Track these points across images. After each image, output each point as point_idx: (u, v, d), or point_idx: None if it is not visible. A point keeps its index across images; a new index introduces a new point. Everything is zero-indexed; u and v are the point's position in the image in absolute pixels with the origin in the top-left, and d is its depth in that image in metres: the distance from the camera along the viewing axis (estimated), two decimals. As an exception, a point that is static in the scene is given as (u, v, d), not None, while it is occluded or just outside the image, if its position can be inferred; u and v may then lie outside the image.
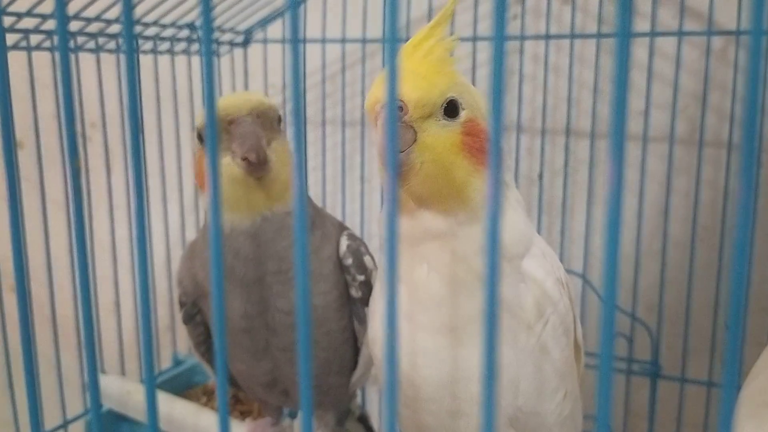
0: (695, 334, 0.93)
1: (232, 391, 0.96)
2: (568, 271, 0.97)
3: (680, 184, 0.94)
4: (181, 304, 0.75)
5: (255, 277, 0.67)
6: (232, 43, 1.05)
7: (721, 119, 0.91)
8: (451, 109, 0.50)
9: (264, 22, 1.04)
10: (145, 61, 0.95)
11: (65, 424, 0.91)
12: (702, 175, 0.91)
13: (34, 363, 0.61)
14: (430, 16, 0.97)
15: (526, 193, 1.01)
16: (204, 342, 0.77)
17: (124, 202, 1.03)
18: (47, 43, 0.82)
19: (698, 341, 0.94)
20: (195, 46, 0.99)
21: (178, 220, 1.07)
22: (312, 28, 1.04)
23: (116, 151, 0.98)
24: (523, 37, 0.96)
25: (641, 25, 0.90)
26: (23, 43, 0.80)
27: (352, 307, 0.73)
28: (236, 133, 0.62)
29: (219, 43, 1.03)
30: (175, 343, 1.09)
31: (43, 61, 0.86)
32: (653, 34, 0.88)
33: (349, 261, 0.70)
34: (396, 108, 0.47)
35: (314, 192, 1.13)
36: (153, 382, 0.35)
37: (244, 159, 0.61)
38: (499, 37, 0.26)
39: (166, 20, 0.89)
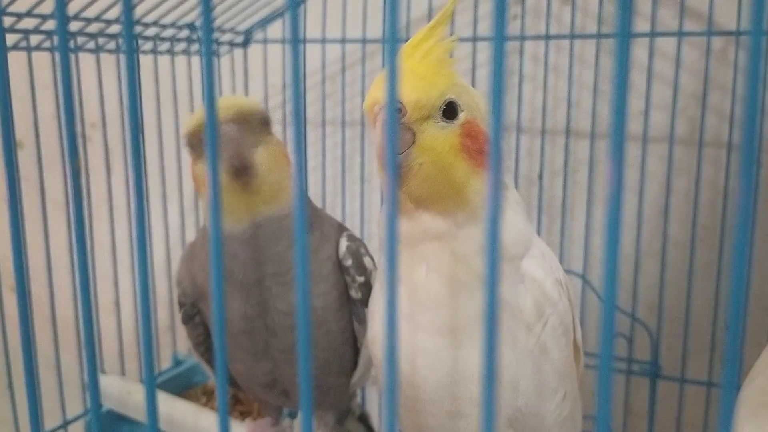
0: (695, 334, 0.93)
1: (231, 392, 0.96)
2: (568, 272, 0.97)
3: (680, 185, 0.94)
4: (181, 305, 0.75)
5: (254, 279, 0.67)
6: (232, 44, 1.05)
7: (721, 119, 0.91)
8: (449, 111, 0.50)
9: (264, 23, 1.04)
10: (145, 61, 0.95)
11: (65, 424, 0.91)
12: (702, 176, 0.91)
13: (34, 363, 0.61)
14: (430, 17, 0.97)
15: (525, 194, 1.01)
16: (203, 342, 0.77)
17: (124, 202, 1.03)
18: (47, 44, 0.82)
19: (698, 341, 0.94)
20: (195, 47, 0.99)
21: (178, 220, 1.07)
22: (312, 28, 1.04)
23: (116, 151, 0.98)
24: (523, 38, 0.96)
25: (641, 25, 0.90)
26: (23, 44, 0.80)
27: (352, 307, 0.73)
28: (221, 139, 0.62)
29: (219, 44, 1.03)
30: (175, 343, 1.09)
31: (43, 61, 0.86)
32: (653, 34, 0.88)
33: (348, 262, 0.70)
34: (396, 109, 0.47)
35: (314, 192, 1.13)
36: (153, 383, 0.35)
37: (227, 166, 0.61)
38: (499, 38, 0.26)
39: (166, 20, 0.89)
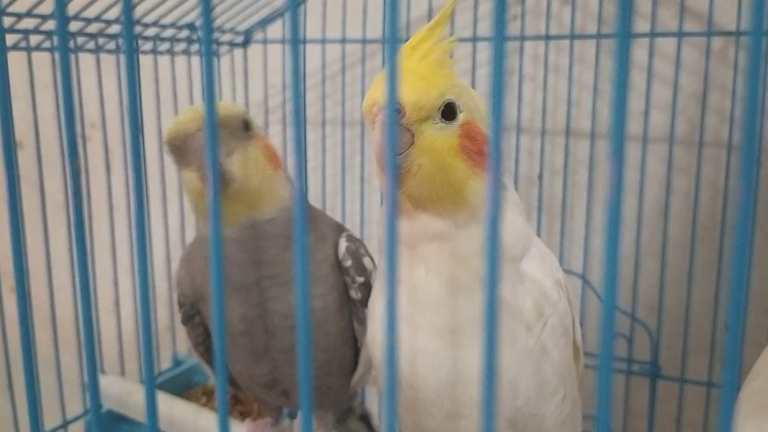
0: (695, 334, 0.93)
1: (231, 392, 0.96)
2: (568, 272, 0.97)
3: (680, 185, 0.94)
4: (180, 305, 0.75)
5: (250, 281, 0.66)
6: (232, 44, 1.05)
7: (720, 120, 0.91)
8: (448, 112, 0.50)
9: (264, 23, 1.04)
10: (145, 61, 0.95)
11: (65, 424, 0.91)
12: (702, 176, 0.91)
13: (34, 363, 0.61)
14: (430, 17, 0.97)
15: (525, 194, 1.01)
16: (203, 342, 0.77)
17: (124, 203, 1.03)
18: (47, 44, 0.82)
19: (698, 342, 0.94)
20: (195, 47, 0.99)
21: (178, 220, 1.07)
22: (312, 28, 1.04)
23: (116, 151, 0.98)
24: (523, 38, 0.96)
25: (641, 25, 0.90)
26: (23, 44, 0.80)
27: (352, 308, 0.73)
28: (189, 150, 0.62)
29: (219, 44, 1.03)
30: (175, 343, 1.09)
31: (42, 61, 0.86)
32: (653, 34, 0.88)
33: (348, 263, 0.70)
34: (396, 109, 0.47)
35: (314, 192, 1.13)
36: (153, 383, 0.35)
37: (200, 175, 0.61)
38: (499, 38, 0.26)
39: (166, 21, 0.89)
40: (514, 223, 0.54)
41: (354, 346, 0.75)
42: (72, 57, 0.86)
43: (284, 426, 0.84)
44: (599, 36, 0.92)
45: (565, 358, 0.56)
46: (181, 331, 0.80)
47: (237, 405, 0.97)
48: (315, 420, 0.80)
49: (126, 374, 1.01)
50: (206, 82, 0.31)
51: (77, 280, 0.35)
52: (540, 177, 1.01)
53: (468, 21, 0.97)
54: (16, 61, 0.78)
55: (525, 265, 0.54)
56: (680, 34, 0.88)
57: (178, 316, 0.77)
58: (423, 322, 0.53)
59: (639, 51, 0.91)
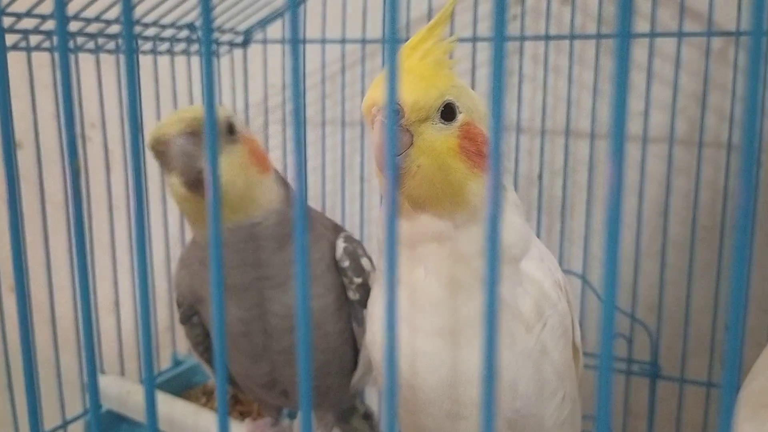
0: (695, 334, 0.93)
1: (231, 392, 0.96)
2: (568, 272, 0.97)
3: (680, 185, 0.94)
4: (179, 305, 0.75)
5: (244, 283, 0.66)
6: (231, 44, 1.05)
7: (720, 120, 0.91)
8: (448, 112, 0.50)
9: (264, 23, 1.04)
10: (145, 61, 0.95)
11: (64, 424, 0.91)
12: (702, 176, 0.91)
13: (34, 363, 0.61)
14: (429, 17, 0.97)
15: (525, 194, 1.01)
16: (202, 342, 0.78)
17: (124, 203, 1.03)
18: (47, 44, 0.82)
19: (698, 342, 0.94)
20: (195, 47, 0.99)
21: (177, 220, 1.07)
22: (312, 28, 1.04)
23: (116, 151, 0.98)
24: (522, 38, 0.96)
25: (641, 25, 0.90)
26: (23, 44, 0.80)
27: (350, 309, 0.72)
28: (170, 154, 0.61)
29: (219, 44, 1.03)
30: (175, 343, 1.09)
31: (42, 61, 0.86)
32: (653, 34, 0.88)
33: (346, 263, 0.70)
34: (395, 110, 0.47)
35: (314, 192, 1.13)
36: (152, 383, 0.35)
37: (180, 179, 0.61)
38: (499, 38, 0.26)
39: (166, 21, 0.89)
40: (514, 223, 0.54)
41: (353, 346, 0.75)
42: (72, 57, 0.86)
43: (284, 426, 0.84)
44: (599, 36, 0.92)
45: (564, 359, 0.56)
46: (181, 332, 0.80)
47: (237, 405, 0.97)
48: (315, 420, 0.80)
49: (126, 374, 1.01)
50: (206, 82, 0.31)
51: (77, 280, 0.35)
52: (540, 177, 1.00)
53: (468, 21, 0.97)
54: (15, 61, 0.78)
55: (524, 266, 0.54)
56: (680, 35, 0.88)
57: (177, 316, 0.77)
58: (422, 323, 0.53)
59: (639, 51, 0.91)
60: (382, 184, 0.52)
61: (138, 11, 0.84)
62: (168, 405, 0.86)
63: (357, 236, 1.05)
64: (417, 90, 0.48)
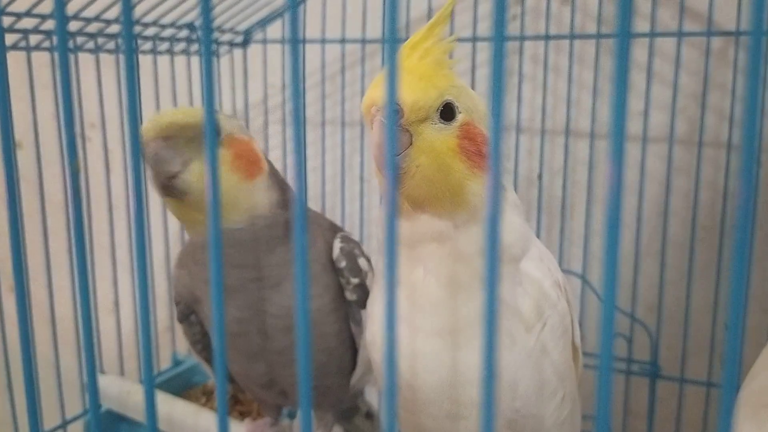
0: (694, 334, 0.93)
1: (231, 392, 0.96)
2: (568, 272, 0.97)
3: (680, 185, 0.94)
4: (176, 303, 0.75)
5: (235, 284, 0.66)
6: (231, 44, 1.05)
7: (720, 119, 0.91)
8: (447, 112, 0.50)
9: (263, 23, 1.04)
10: (145, 61, 0.95)
11: (64, 424, 0.91)
12: (701, 176, 0.91)
13: (33, 363, 0.61)
14: (429, 17, 0.97)
15: (525, 194, 1.01)
16: (200, 341, 0.78)
17: (124, 203, 1.03)
18: (46, 43, 0.82)
19: (697, 342, 0.94)
20: (194, 47, 0.99)
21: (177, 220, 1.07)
22: (311, 28, 1.04)
23: (115, 151, 0.98)
24: (522, 38, 0.96)
25: (641, 25, 0.90)
26: (22, 43, 0.80)
27: (348, 309, 0.72)
28: (146, 159, 0.61)
29: (218, 44, 1.03)
30: (175, 343, 1.09)
31: (42, 61, 0.85)
32: (653, 34, 0.88)
33: (342, 264, 0.70)
34: (395, 110, 0.47)
35: (314, 192, 1.13)
36: (152, 383, 0.35)
37: (154, 184, 0.61)
38: (499, 38, 0.26)
39: (166, 20, 0.89)
40: (513, 223, 0.54)
41: (352, 346, 0.75)
42: (71, 57, 0.86)
43: (284, 426, 0.84)
44: (599, 36, 0.92)
45: (564, 359, 0.56)
46: (181, 332, 0.80)
47: (236, 405, 0.97)
48: (315, 419, 0.80)
49: (125, 374, 1.01)
50: (205, 82, 0.31)
51: (77, 280, 0.35)
52: (539, 177, 1.00)
53: (467, 21, 0.97)
54: (15, 60, 0.78)
55: (524, 266, 0.54)
56: (680, 34, 0.88)
57: (176, 315, 0.77)
58: (422, 323, 0.53)
59: (639, 51, 0.90)
60: (382, 184, 0.52)
61: (138, 11, 0.84)
62: (168, 405, 0.86)
63: (357, 236, 1.05)
64: (416, 90, 0.48)
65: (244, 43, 1.06)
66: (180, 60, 1.01)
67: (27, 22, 0.77)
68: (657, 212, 0.95)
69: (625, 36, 0.26)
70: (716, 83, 0.90)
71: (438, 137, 0.49)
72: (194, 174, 0.61)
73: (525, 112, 1.01)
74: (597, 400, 0.28)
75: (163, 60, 0.99)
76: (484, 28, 0.96)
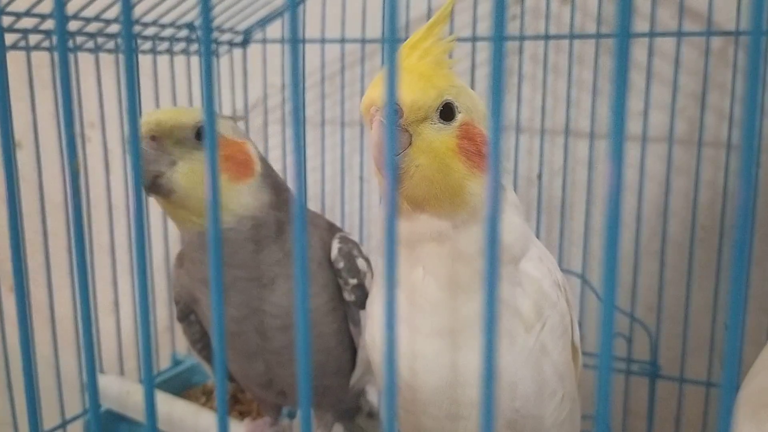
0: (694, 334, 0.93)
1: (230, 391, 0.96)
2: (567, 272, 0.97)
3: (679, 185, 0.94)
4: (176, 302, 0.75)
5: (229, 282, 0.66)
6: (231, 43, 1.05)
7: (720, 119, 0.91)
8: (446, 112, 0.49)
9: (263, 22, 1.04)
10: (144, 61, 0.95)
11: (64, 424, 0.91)
12: (701, 176, 0.91)
13: (33, 363, 0.61)
14: (429, 16, 0.97)
15: (525, 194, 1.01)
16: (200, 340, 0.78)
17: (123, 202, 1.03)
18: (46, 43, 0.82)
19: (697, 341, 0.94)
20: (194, 46, 0.99)
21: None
22: (311, 28, 1.04)
23: (115, 151, 0.98)
24: (522, 38, 0.96)
25: (640, 25, 0.90)
26: (22, 43, 0.80)
27: (347, 310, 0.72)
28: None
29: (218, 43, 1.03)
30: (174, 343, 1.09)
31: (41, 60, 0.85)
32: (652, 34, 0.88)
33: (340, 264, 0.70)
34: (394, 110, 0.47)
35: (313, 192, 1.13)
36: (152, 382, 0.35)
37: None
38: (499, 38, 0.26)
39: (165, 20, 0.89)
40: (513, 223, 0.54)
41: (351, 347, 0.75)
42: (71, 56, 0.86)
43: (283, 425, 0.84)
44: (599, 36, 0.92)
45: (564, 359, 0.56)
46: (180, 331, 0.80)
47: (236, 405, 0.97)
48: (314, 419, 0.80)
49: (125, 374, 1.01)
50: (205, 81, 0.31)
51: (76, 280, 0.35)
52: (539, 177, 1.01)
53: (467, 21, 0.97)
54: (15, 60, 0.78)
55: (523, 266, 0.54)
56: (679, 34, 0.88)
57: (176, 314, 0.77)
58: (421, 324, 0.53)
59: (638, 51, 0.91)
60: (381, 184, 0.52)
61: (137, 11, 0.84)
62: (167, 405, 0.86)
63: (357, 236, 1.05)
64: (416, 89, 0.48)
65: (244, 43, 1.06)
66: (180, 60, 1.01)
67: (27, 22, 0.77)
68: (656, 212, 0.95)
69: (624, 36, 0.26)
70: (716, 83, 0.90)
71: (437, 137, 0.49)
72: (180, 173, 0.62)
73: (524, 112, 1.01)
74: (597, 399, 0.28)
75: (163, 60, 0.99)
76: (484, 27, 0.96)
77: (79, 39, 0.85)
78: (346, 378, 0.76)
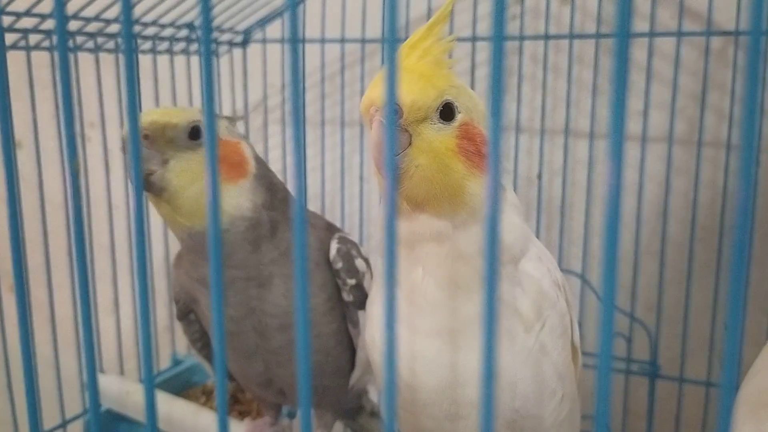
0: (694, 334, 0.93)
1: (230, 391, 0.96)
2: (567, 272, 0.98)
3: (679, 185, 0.94)
4: (176, 301, 0.75)
5: (226, 283, 0.66)
6: (231, 43, 1.05)
7: (719, 119, 0.91)
8: (446, 112, 0.49)
9: (263, 22, 1.04)
10: (144, 61, 0.95)
11: (64, 423, 0.91)
12: (701, 176, 0.91)
13: (33, 363, 0.61)
14: (429, 16, 0.97)
15: (525, 194, 1.01)
16: (200, 339, 0.78)
17: (123, 202, 1.03)
18: (46, 43, 0.82)
19: (697, 341, 0.94)
20: (194, 46, 0.99)
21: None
22: (311, 28, 1.04)
23: (115, 151, 0.98)
24: (522, 38, 0.96)
25: (640, 25, 0.90)
26: (22, 43, 0.80)
27: (345, 310, 0.72)
28: (126, 155, 0.64)
29: (218, 43, 1.03)
30: (174, 343, 1.09)
31: (42, 60, 0.85)
32: (652, 34, 0.88)
33: (339, 265, 0.70)
34: (394, 110, 0.47)
35: (313, 192, 1.13)
36: (152, 382, 0.35)
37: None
38: (499, 38, 0.26)
39: (165, 20, 0.89)
40: (513, 223, 0.54)
41: (350, 347, 0.75)
42: (71, 56, 0.86)
43: (283, 425, 0.84)
44: (598, 36, 0.92)
45: (563, 358, 0.56)
46: (180, 331, 0.80)
47: (236, 404, 0.97)
48: (314, 419, 0.80)
49: (125, 374, 1.01)
50: (205, 81, 0.31)
51: (77, 280, 0.35)
52: (539, 177, 1.01)
53: (467, 21, 0.97)
54: (15, 60, 0.78)
55: (523, 266, 0.54)
56: (679, 34, 0.88)
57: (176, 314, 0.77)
58: (421, 324, 0.53)
59: (638, 51, 0.91)
60: (381, 184, 0.52)
61: (137, 10, 0.84)
62: (167, 404, 0.86)
63: (356, 236, 1.05)
64: (415, 89, 0.48)
65: (244, 43, 1.06)
66: (179, 59, 1.01)
67: (27, 22, 0.77)
68: (656, 212, 0.95)
69: (624, 36, 0.26)
70: (715, 83, 0.90)
71: (437, 137, 0.49)
72: (172, 172, 0.62)
73: (524, 112, 1.01)
74: (596, 399, 0.28)
75: (163, 60, 0.99)
76: (484, 27, 0.96)
77: (79, 39, 0.85)
78: (345, 378, 0.76)
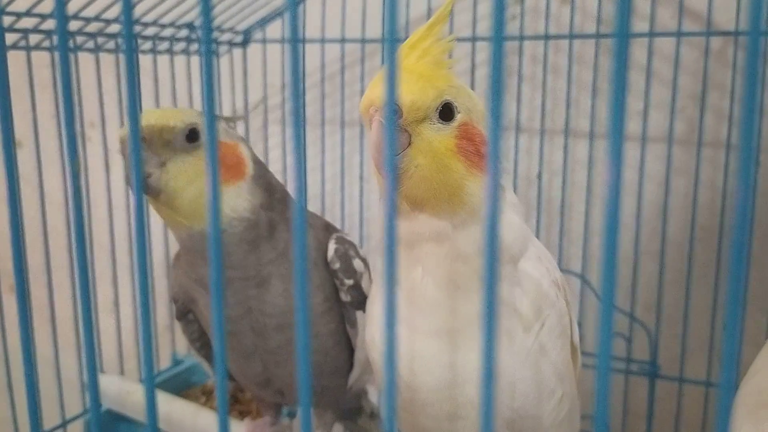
0: (693, 334, 0.93)
1: (230, 391, 0.96)
2: (567, 272, 0.98)
3: (679, 185, 0.94)
4: (174, 301, 0.76)
5: (224, 283, 0.66)
6: (231, 43, 1.05)
7: (719, 119, 0.91)
8: (446, 112, 0.50)
9: (263, 22, 1.04)
10: (144, 61, 0.95)
11: (64, 423, 0.91)
12: (700, 176, 0.91)
13: (34, 363, 0.61)
14: (429, 16, 0.97)
15: (524, 194, 1.01)
16: (198, 339, 0.78)
17: (123, 202, 1.03)
18: (46, 43, 0.82)
19: (696, 341, 0.94)
20: (194, 46, 0.99)
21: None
22: (311, 28, 1.04)
23: (115, 150, 0.98)
24: (522, 38, 0.97)
25: (640, 25, 0.90)
26: (22, 43, 0.80)
27: (343, 311, 0.72)
28: (124, 157, 0.64)
29: (218, 43, 1.03)
30: (174, 342, 1.09)
31: (42, 60, 0.85)
32: (652, 34, 0.88)
33: (336, 265, 0.70)
34: (394, 110, 0.47)
35: (313, 192, 1.13)
36: (152, 382, 0.35)
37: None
38: (498, 38, 0.26)
39: (165, 20, 0.89)
40: (512, 223, 0.54)
41: (348, 347, 0.75)
42: (71, 56, 0.86)
43: (283, 425, 0.84)
44: (598, 36, 0.92)
45: (563, 358, 0.56)
46: (180, 331, 0.80)
47: (235, 404, 0.97)
48: (314, 419, 0.80)
49: (125, 374, 1.01)
50: (205, 81, 0.31)
51: (77, 280, 0.35)
52: (539, 177, 1.01)
53: (467, 21, 0.97)
54: (15, 60, 0.78)
55: (522, 266, 0.54)
56: (679, 34, 0.88)
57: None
58: (421, 324, 0.53)
59: (638, 51, 0.91)
60: (381, 184, 0.52)
61: (137, 10, 0.84)
62: (167, 404, 0.86)
63: (356, 236, 1.05)
64: (415, 90, 0.48)
65: (244, 43, 1.06)
66: (180, 59, 1.01)
67: (27, 22, 0.77)
68: (656, 212, 0.95)
69: (624, 36, 0.26)
70: (715, 83, 0.90)
71: (436, 137, 0.49)
72: (168, 174, 0.62)
73: (524, 112, 1.01)
74: (596, 399, 0.28)
75: (163, 60, 0.99)
76: (484, 27, 0.96)
77: (80, 39, 0.85)
78: (344, 378, 0.76)
